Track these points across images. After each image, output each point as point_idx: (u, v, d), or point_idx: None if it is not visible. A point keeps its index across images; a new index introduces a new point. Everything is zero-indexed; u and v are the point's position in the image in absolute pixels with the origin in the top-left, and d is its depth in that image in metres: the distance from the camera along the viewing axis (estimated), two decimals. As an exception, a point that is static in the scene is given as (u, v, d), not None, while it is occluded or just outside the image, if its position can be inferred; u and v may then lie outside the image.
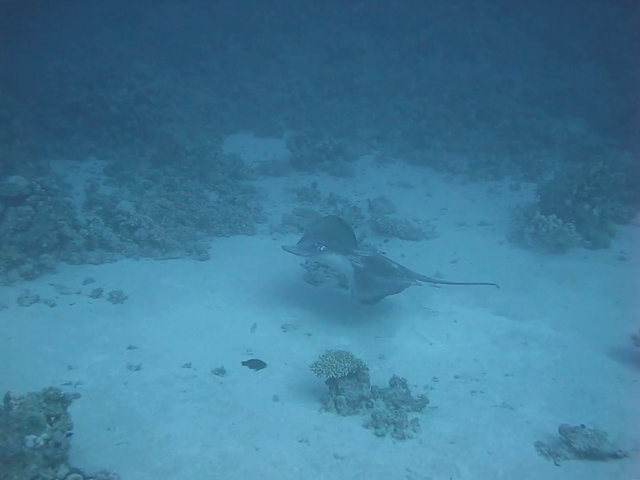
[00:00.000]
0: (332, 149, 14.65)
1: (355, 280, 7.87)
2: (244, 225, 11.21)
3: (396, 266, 8.59)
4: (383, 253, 10.30)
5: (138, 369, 6.75)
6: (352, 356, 6.34)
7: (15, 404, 4.79)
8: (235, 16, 20.75)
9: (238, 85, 17.75)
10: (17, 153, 12.21)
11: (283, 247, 8.35)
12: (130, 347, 7.18)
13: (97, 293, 8.37)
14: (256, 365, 6.72)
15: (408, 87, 17.72)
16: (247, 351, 7.34)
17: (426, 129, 15.72)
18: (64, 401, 4.97)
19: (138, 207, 10.68)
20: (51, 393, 4.91)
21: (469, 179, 14.19)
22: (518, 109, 16.26)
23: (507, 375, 7.03)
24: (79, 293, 8.40)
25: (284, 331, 7.92)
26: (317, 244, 8.20)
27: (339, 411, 6.15)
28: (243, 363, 6.75)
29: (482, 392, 6.68)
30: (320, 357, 6.34)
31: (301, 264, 9.89)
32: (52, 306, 7.94)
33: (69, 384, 6.29)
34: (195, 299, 8.60)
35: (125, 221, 10.06)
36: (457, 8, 20.22)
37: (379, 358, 7.36)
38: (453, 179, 14.26)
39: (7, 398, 4.81)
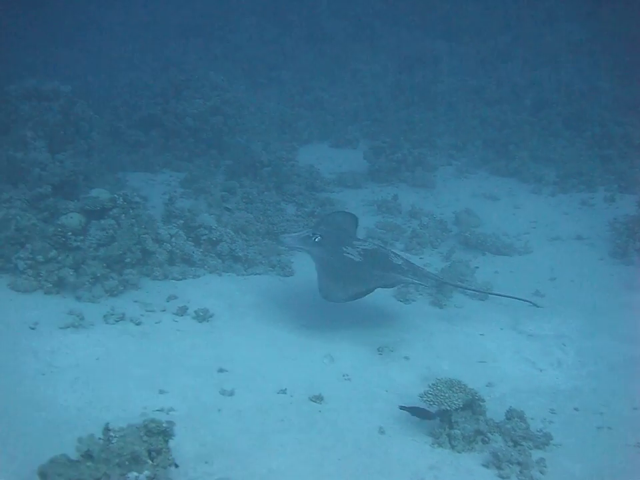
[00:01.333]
0: (411, 160, 14.10)
1: (320, 272, 7.48)
2: (326, 239, 10.76)
3: (400, 262, 7.91)
4: (476, 267, 9.74)
5: (231, 394, 6.34)
6: (465, 385, 5.80)
7: (115, 437, 4.42)
8: (305, 26, 20.50)
9: (311, 94, 17.40)
10: (95, 166, 12.09)
11: (279, 238, 8.15)
12: (220, 370, 6.78)
13: (182, 311, 8.03)
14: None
15: (487, 95, 17.04)
16: (343, 376, 6.87)
17: (509, 138, 14.99)
18: (166, 434, 4.56)
19: (219, 220, 10.34)
20: (152, 425, 4.52)
21: (559, 190, 13.41)
22: (607, 116, 15.35)
23: (635, 409, 6.34)
24: (164, 311, 8.07)
25: (379, 354, 7.41)
26: (312, 234, 7.80)
27: (453, 447, 5.59)
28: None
29: (609, 428, 6.02)
30: (430, 386, 5.82)
31: (389, 280, 9.40)
32: (138, 324, 7.62)
33: (162, 410, 5.90)
34: (283, 318, 8.19)
35: (206, 234, 9.74)
36: (536, 13, 19.49)
37: (487, 385, 6.77)
38: (541, 190, 13.49)
39: (107, 430, 4.45)
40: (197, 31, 21.84)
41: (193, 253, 9.42)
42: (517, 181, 14.04)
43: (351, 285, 7.31)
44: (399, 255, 8.24)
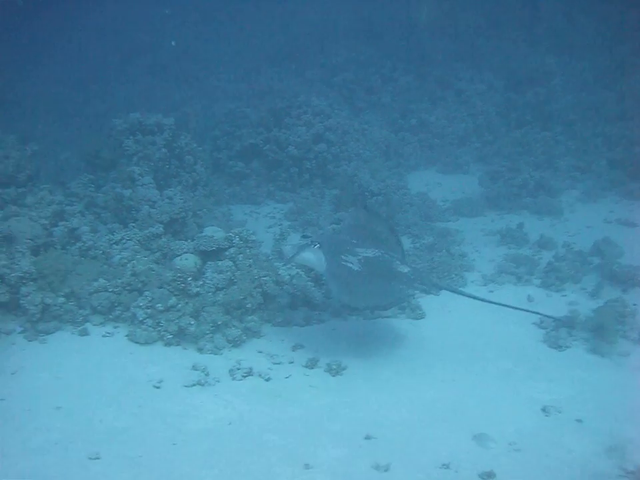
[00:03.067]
0: (532, 184, 13.02)
1: (329, 277, 7.04)
2: (453, 275, 9.80)
3: (405, 270, 7.25)
4: (634, 305, 8.55)
5: (387, 469, 5.44)
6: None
7: None
8: (403, 46, 19.71)
9: (415, 117, 16.52)
10: (202, 201, 11.58)
11: (280, 249, 7.81)
12: (367, 437, 5.91)
13: (312, 363, 7.23)
14: None
15: (608, 111, 15.69)
16: (510, 444, 5.86)
17: (642, 158, 13.62)
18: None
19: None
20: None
21: None
22: None
23: None
24: (292, 363, 7.30)
25: (546, 415, 6.37)
26: (310, 243, 7.39)
27: None
28: None
29: None
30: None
31: (533, 322, 8.38)
32: (267, 380, 6.87)
33: (311, 490, 5.10)
34: (423, 370, 7.26)
35: (327, 274, 8.97)
36: (658, 20, 18.02)
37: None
38: (686, 215, 12.10)
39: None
40: (290, 56, 21.39)
41: (314, 294, 8.65)
42: (655, 205, 12.69)
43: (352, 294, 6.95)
44: (406, 262, 7.56)
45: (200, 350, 7.34)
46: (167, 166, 12.06)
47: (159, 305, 7.42)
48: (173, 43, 22.89)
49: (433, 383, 6.98)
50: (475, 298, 7.81)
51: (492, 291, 9.48)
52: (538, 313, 8.04)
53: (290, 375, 7.02)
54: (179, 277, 7.63)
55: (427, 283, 7.35)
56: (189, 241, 9.02)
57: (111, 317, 7.73)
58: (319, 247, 7.31)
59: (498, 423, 6.21)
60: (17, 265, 7.62)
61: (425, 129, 16.17)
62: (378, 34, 20.49)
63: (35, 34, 25.79)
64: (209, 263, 8.48)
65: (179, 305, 7.54)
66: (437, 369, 7.29)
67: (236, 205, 13.55)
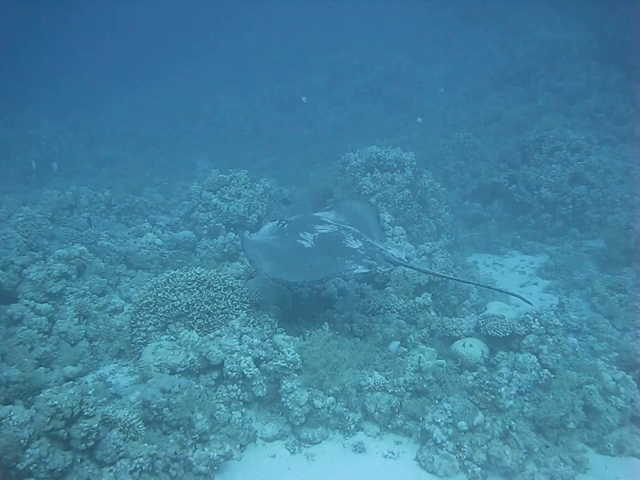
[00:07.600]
0: None
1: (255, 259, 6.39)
2: None
3: (357, 245, 6.66)
4: None
5: None
6: None
7: None
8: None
9: (685, 153, 13.63)
10: (457, 256, 9.63)
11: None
12: None
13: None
14: None
15: None
16: None
17: None
18: None
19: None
20: None
21: None
22: None
23: None
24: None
25: None
26: (278, 220, 7.17)
27: None
28: None
29: None
30: None
31: None
32: None
33: None
34: None
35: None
36: None
37: None
38: None
39: None
40: (515, 79, 19.02)
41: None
42: None
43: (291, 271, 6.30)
44: (361, 238, 6.86)
45: (533, 494, 5.27)
46: (409, 209, 10.25)
47: (462, 422, 5.44)
48: (303, 99, 20.36)
49: None
50: (436, 275, 7.15)
51: None
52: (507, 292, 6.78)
53: None
54: (487, 384, 5.61)
55: (378, 259, 6.49)
56: (467, 317, 7.08)
57: (390, 427, 5.85)
58: (286, 225, 6.95)
59: None
60: (279, 351, 5.97)
61: (700, 166, 13.20)
62: (623, 54, 17.53)
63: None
64: (500, 353, 6.47)
65: (487, 424, 5.52)
66: None
67: (474, 254, 11.47)
